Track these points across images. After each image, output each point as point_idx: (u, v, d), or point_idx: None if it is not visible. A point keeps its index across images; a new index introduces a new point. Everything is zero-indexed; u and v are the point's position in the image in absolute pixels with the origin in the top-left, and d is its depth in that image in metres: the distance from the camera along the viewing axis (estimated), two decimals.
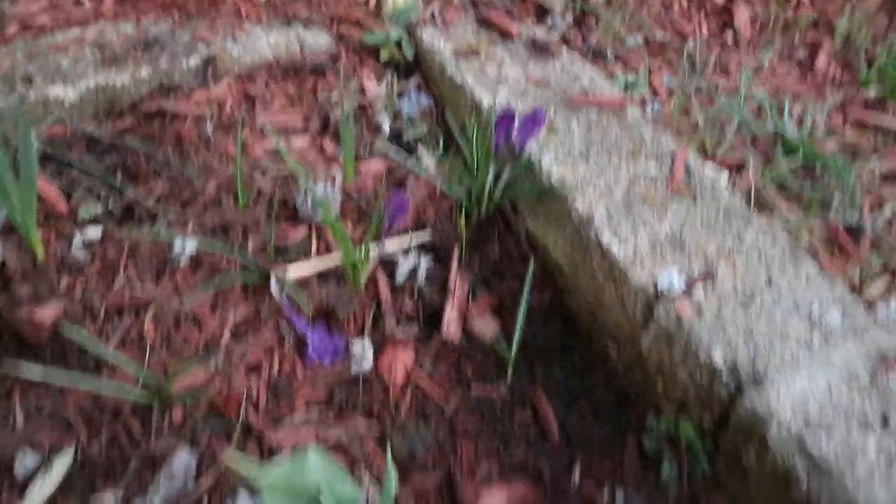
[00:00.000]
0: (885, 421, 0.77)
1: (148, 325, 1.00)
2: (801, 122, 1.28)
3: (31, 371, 0.90)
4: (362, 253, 1.00)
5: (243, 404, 0.91)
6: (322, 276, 1.05)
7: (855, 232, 1.05)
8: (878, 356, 0.83)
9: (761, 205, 1.08)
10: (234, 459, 0.66)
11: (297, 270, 1.03)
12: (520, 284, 1.11)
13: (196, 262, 1.07)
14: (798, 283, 0.91)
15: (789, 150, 1.19)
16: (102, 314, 1.02)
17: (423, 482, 0.87)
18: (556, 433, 0.97)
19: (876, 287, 0.97)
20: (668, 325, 0.87)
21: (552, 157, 1.09)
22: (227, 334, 0.99)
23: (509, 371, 1.00)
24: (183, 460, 0.88)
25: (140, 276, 1.06)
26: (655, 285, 0.90)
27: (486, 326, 1.04)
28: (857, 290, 0.97)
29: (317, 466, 0.72)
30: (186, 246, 1.05)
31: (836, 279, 0.93)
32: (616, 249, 0.94)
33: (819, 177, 1.14)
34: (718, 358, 0.82)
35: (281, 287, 1.01)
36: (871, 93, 1.40)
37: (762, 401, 0.78)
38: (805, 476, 0.74)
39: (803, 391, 0.79)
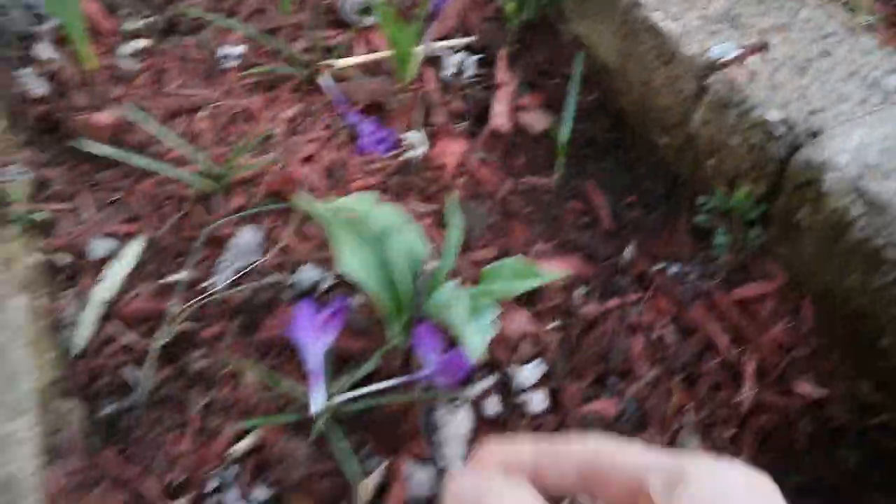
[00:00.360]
0: None
1: (202, 124, 1.02)
2: None
3: (102, 150, 0.93)
4: (409, 46, 1.00)
5: (302, 187, 0.94)
6: (370, 72, 1.05)
7: None
8: None
9: None
10: (305, 201, 0.68)
11: (346, 63, 1.03)
12: (566, 85, 1.10)
13: (245, 65, 1.07)
14: (854, 55, 0.89)
15: None
16: (157, 118, 1.04)
17: (480, 255, 0.90)
18: (607, 219, 0.99)
19: None
20: (721, 92, 0.87)
21: None
22: (280, 129, 1.01)
23: (559, 163, 1.01)
24: (248, 236, 0.92)
25: (191, 82, 1.07)
26: (708, 57, 0.89)
27: (535, 120, 1.04)
28: None
29: (385, 211, 0.75)
30: (234, 50, 1.06)
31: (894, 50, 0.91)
32: (666, 27, 0.93)
33: None
34: (774, 116, 0.82)
35: (330, 81, 1.01)
36: None
37: (818, 152, 0.79)
38: (862, 216, 0.75)
39: (860, 142, 0.79)
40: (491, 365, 0.83)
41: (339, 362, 0.81)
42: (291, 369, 0.82)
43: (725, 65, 0.88)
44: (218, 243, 0.94)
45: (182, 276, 0.93)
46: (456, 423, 0.77)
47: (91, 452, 0.80)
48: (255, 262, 0.91)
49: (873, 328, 0.80)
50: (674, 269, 0.91)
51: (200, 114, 1.02)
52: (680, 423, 0.81)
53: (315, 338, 0.75)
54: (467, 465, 0.37)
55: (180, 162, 0.99)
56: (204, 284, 0.90)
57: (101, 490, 0.77)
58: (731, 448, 0.79)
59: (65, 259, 0.97)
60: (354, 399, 0.76)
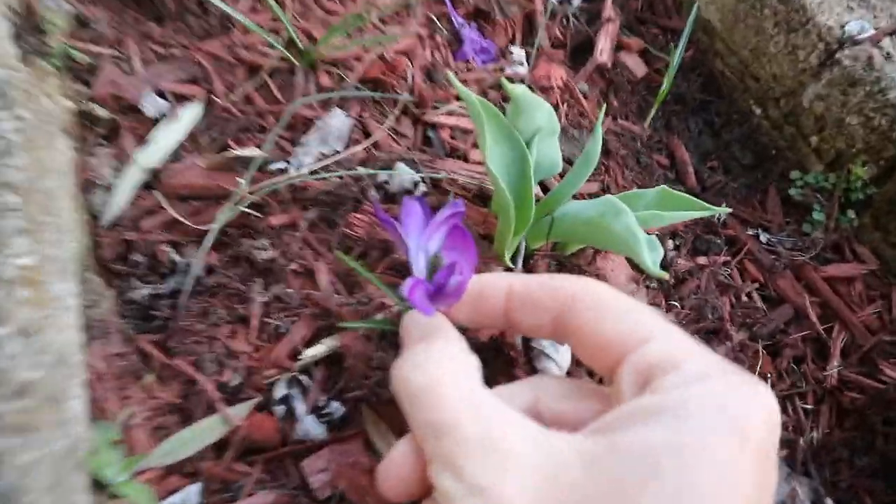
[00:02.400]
0: None
1: None
2: None
3: None
4: None
5: (406, 80, 0.86)
6: None
7: None
8: None
9: None
10: (453, 79, 0.61)
11: None
12: (665, 37, 1.06)
13: None
14: None
15: None
16: None
17: (583, 188, 0.85)
18: (693, 178, 0.96)
19: None
20: (852, 68, 0.85)
21: None
22: (374, 16, 0.91)
23: (650, 114, 0.97)
24: (336, 121, 0.82)
25: None
26: (843, 29, 0.87)
27: (635, 65, 1.00)
28: None
29: (544, 111, 0.68)
30: None
31: None
32: None
33: None
34: None
35: None
36: None
37: None
38: None
39: None
40: None
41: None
42: (377, 276, 0.74)
43: (858, 42, 0.86)
44: (298, 124, 0.84)
45: (252, 152, 0.82)
46: (559, 353, 0.72)
47: (127, 337, 0.69)
48: (340, 151, 0.82)
49: None
50: (765, 237, 0.89)
51: None
52: None
53: (424, 239, 0.68)
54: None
55: (255, 32, 0.88)
56: (278, 166, 0.81)
57: (151, 380, 0.66)
58: (807, 420, 0.79)
59: (104, 112, 0.84)
60: None
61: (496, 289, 0.47)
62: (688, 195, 0.66)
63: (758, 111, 0.99)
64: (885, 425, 0.78)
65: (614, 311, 0.40)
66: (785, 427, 0.78)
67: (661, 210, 0.68)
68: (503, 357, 0.69)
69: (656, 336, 0.38)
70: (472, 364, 0.42)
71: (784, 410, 0.79)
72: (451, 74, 0.63)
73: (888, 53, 0.85)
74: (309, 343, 0.70)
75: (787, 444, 0.77)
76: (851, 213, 0.88)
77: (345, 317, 0.71)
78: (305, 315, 0.72)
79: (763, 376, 0.80)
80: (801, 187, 0.91)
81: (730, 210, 0.65)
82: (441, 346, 0.43)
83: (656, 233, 0.84)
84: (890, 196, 0.85)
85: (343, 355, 0.69)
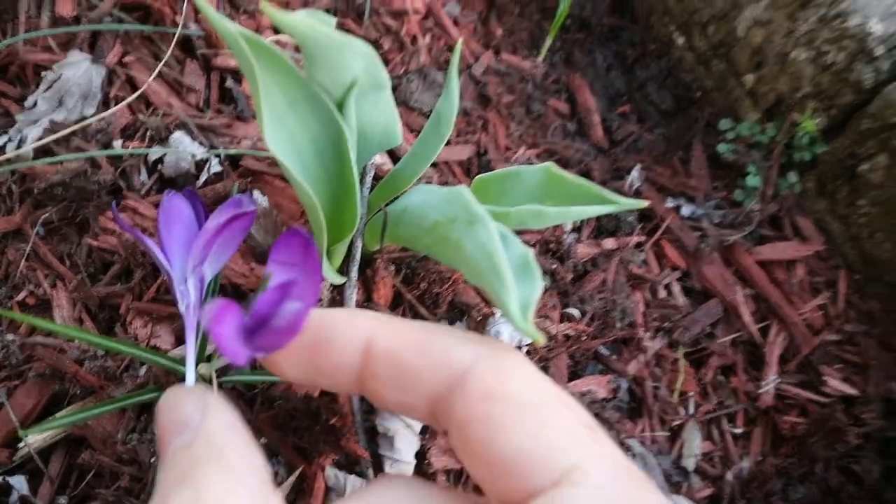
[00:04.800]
0: None
1: None
2: None
3: None
4: None
5: (184, 4, 0.58)
6: None
7: None
8: None
9: None
10: (206, 6, 0.36)
11: None
12: None
13: None
14: None
15: None
16: None
17: (447, 153, 0.62)
18: (599, 129, 0.75)
19: None
20: None
21: None
22: None
23: (546, 45, 0.74)
24: (80, 71, 0.55)
25: None
26: None
27: None
28: None
29: (357, 49, 0.43)
30: None
31: None
32: None
33: None
34: (877, 27, 0.61)
35: None
36: None
37: None
38: None
39: None
40: (451, 316, 0.57)
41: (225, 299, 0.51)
42: (143, 307, 0.50)
43: None
44: (22, 75, 0.57)
45: None
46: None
47: None
48: (88, 116, 0.55)
49: None
50: (687, 209, 0.70)
51: None
52: (683, 413, 0.62)
53: (195, 259, 0.44)
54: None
55: None
56: None
57: None
58: (736, 447, 0.62)
59: None
60: (251, 365, 0.47)
61: (350, 338, 0.30)
62: (583, 180, 0.44)
63: (680, 41, 0.77)
64: (829, 450, 0.62)
65: (523, 411, 0.26)
66: (709, 459, 0.61)
67: (545, 202, 0.47)
68: (324, 427, 0.47)
69: (583, 464, 0.25)
70: None
71: (709, 437, 0.62)
72: (201, 1, 0.37)
73: None
74: (36, 420, 0.47)
75: (712, 480, 0.60)
76: (793, 176, 0.70)
77: (85, 380, 0.47)
78: (32, 377, 0.48)
79: (684, 395, 0.63)
80: (733, 141, 0.71)
81: (646, 203, 0.43)
82: (218, 493, 0.23)
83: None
84: (841, 156, 0.66)
85: (84, 440, 0.46)
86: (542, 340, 0.31)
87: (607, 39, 0.80)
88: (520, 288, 0.39)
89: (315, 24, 0.38)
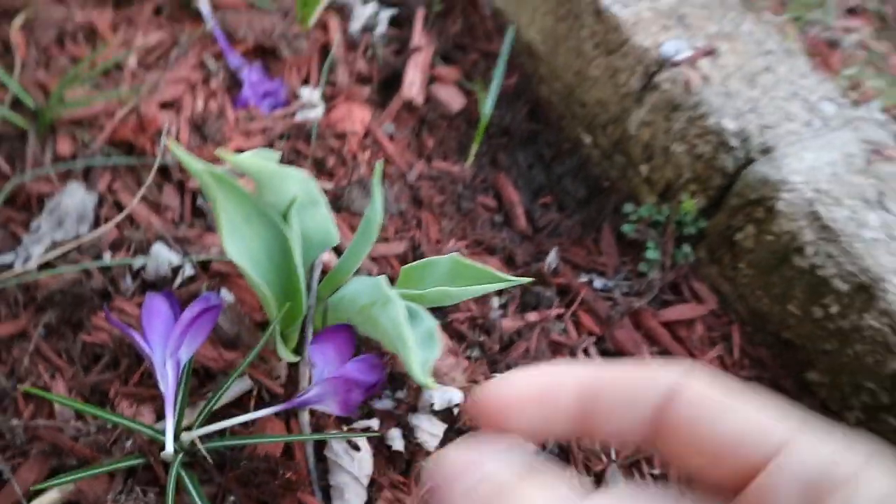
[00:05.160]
0: (881, 201, 0.74)
1: (16, 34, 0.75)
2: None
3: None
4: None
5: (161, 140, 0.71)
6: (262, 9, 0.84)
7: (831, 46, 1.01)
8: (869, 146, 0.80)
9: (748, 5, 1.02)
10: (180, 151, 0.48)
11: None
12: (485, 63, 0.97)
13: None
14: (794, 75, 0.85)
15: None
16: None
17: (387, 249, 0.74)
18: (523, 220, 0.87)
19: (851, 96, 0.95)
20: (672, 92, 0.79)
21: None
22: (132, 61, 0.77)
23: (473, 151, 0.88)
24: (76, 198, 0.67)
25: None
26: (659, 52, 0.80)
27: (450, 97, 0.90)
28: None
29: (294, 178, 0.55)
30: None
31: (824, 78, 0.88)
32: (618, 12, 0.83)
33: None
34: (730, 125, 0.75)
35: (209, 8, 0.79)
36: None
37: (774, 169, 0.73)
38: (813, 242, 0.70)
39: (812, 165, 0.74)
40: (394, 384, 0.67)
41: (199, 381, 0.61)
42: (129, 391, 0.60)
43: (677, 63, 0.79)
44: (28, 204, 0.68)
45: None
46: (356, 462, 0.60)
47: None
48: (83, 234, 0.67)
49: (803, 361, 0.76)
50: (599, 282, 0.81)
51: (16, 20, 0.75)
52: (605, 459, 0.71)
53: (172, 347, 0.54)
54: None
55: None
56: (1, 261, 0.65)
57: None
58: (656, 485, 0.71)
59: None
60: (220, 433, 0.56)
61: (563, 386, 0.33)
62: (481, 266, 0.56)
63: (587, 140, 0.91)
64: None
65: (734, 399, 0.29)
66: None
67: (452, 284, 0.58)
68: (282, 482, 0.56)
69: (800, 433, 0.28)
70: None
71: (630, 479, 0.71)
72: (173, 143, 0.49)
73: (706, 76, 0.79)
74: (37, 493, 0.55)
75: None
76: (687, 248, 0.82)
77: (80, 453, 0.56)
78: (34, 454, 0.57)
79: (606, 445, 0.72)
80: (635, 221, 0.84)
81: (530, 279, 0.55)
82: None
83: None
84: (721, 228, 0.78)
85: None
86: (433, 386, 0.42)
87: (527, 142, 0.94)
88: (423, 351, 0.50)
89: (260, 162, 0.50)
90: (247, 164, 0.50)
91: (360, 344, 0.65)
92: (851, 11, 1.15)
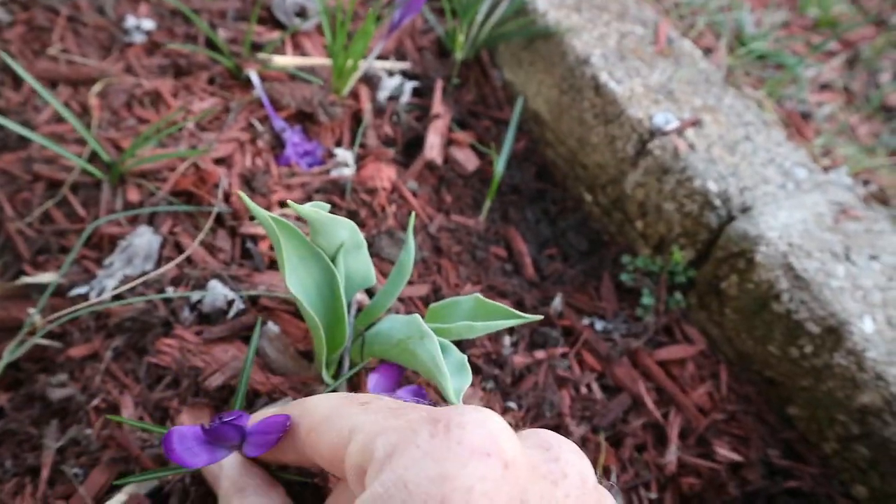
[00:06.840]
0: (847, 255, 0.84)
1: (93, 99, 0.86)
2: (759, 24, 1.37)
3: None
4: (356, 59, 0.92)
5: (218, 191, 0.82)
6: (303, 80, 0.96)
7: (804, 117, 1.14)
8: (837, 206, 0.91)
9: (730, 81, 1.14)
10: (248, 199, 0.57)
11: (283, 62, 0.93)
12: (497, 128, 1.09)
13: (153, 43, 0.93)
14: (770, 143, 0.96)
15: (750, 41, 1.26)
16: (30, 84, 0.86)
17: (411, 291, 0.83)
18: (531, 269, 0.96)
19: (822, 162, 1.06)
20: (662, 158, 0.90)
21: (547, 2, 1.07)
22: (191, 123, 0.87)
23: (486, 206, 0.98)
24: (143, 239, 0.77)
25: (81, 49, 0.90)
26: (651, 122, 0.92)
27: (466, 159, 1.01)
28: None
29: (343, 226, 0.65)
30: (143, 23, 0.91)
31: (798, 146, 1.00)
32: (614, 88, 0.95)
33: (774, 69, 1.23)
34: (713, 186, 0.86)
35: (258, 78, 0.90)
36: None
37: (752, 225, 0.83)
38: (788, 290, 0.79)
39: (785, 222, 0.84)
40: None
41: (248, 402, 0.69)
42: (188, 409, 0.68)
43: (666, 133, 0.91)
44: (102, 244, 0.78)
45: (47, 277, 0.75)
46: None
47: None
48: (148, 271, 0.76)
49: (783, 396, 0.84)
50: (600, 325, 0.90)
51: (94, 88, 0.86)
52: (606, 484, 0.78)
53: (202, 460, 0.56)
54: None
55: (59, 139, 0.82)
56: (78, 292, 0.74)
57: None
58: None
59: None
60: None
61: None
62: (500, 305, 0.65)
63: (588, 198, 1.02)
64: (717, 500, 0.79)
65: (320, 421, 0.44)
66: None
67: (475, 320, 0.67)
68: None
69: (354, 433, 0.41)
70: None
71: (629, 503, 0.78)
72: (242, 193, 0.59)
73: (692, 144, 0.90)
74: (107, 494, 0.62)
75: None
76: (678, 295, 0.91)
77: (145, 463, 0.64)
78: (104, 460, 0.64)
79: (606, 470, 0.79)
80: (632, 271, 0.93)
81: (541, 317, 0.64)
82: None
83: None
84: (708, 277, 0.88)
85: None
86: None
87: (534, 199, 1.05)
88: (455, 380, 0.59)
89: (317, 211, 0.60)
90: (307, 212, 0.60)
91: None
92: (824, 87, 1.29)
